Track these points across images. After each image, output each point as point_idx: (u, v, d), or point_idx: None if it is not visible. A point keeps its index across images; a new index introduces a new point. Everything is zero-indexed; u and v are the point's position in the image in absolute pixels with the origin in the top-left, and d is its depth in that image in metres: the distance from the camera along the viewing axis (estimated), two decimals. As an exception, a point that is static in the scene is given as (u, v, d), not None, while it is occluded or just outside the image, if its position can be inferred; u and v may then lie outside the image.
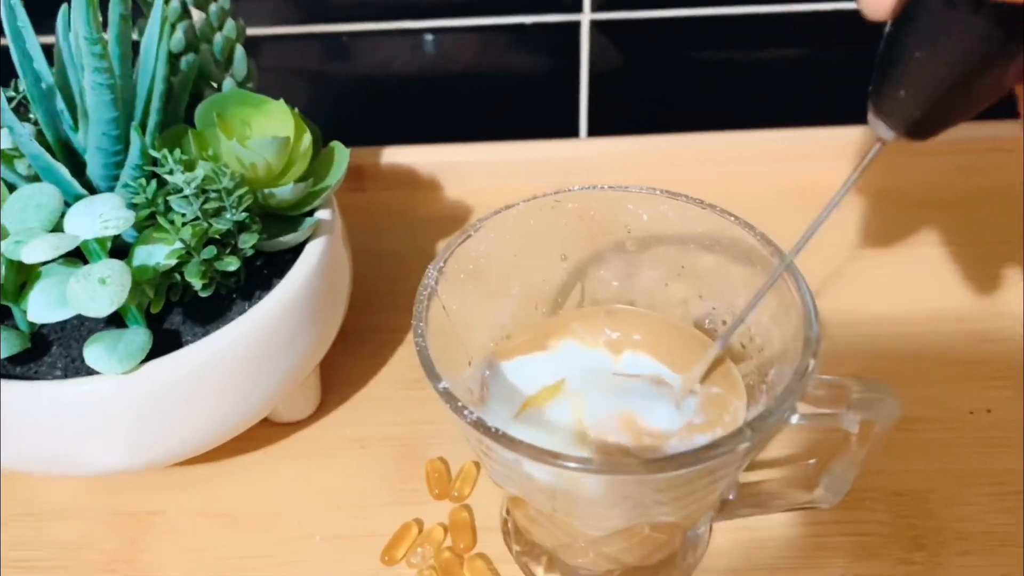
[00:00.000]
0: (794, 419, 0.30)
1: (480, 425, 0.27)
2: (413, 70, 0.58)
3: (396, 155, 0.57)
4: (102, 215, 0.33)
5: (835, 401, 0.29)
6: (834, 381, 0.30)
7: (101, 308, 0.31)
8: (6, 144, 0.39)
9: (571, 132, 0.61)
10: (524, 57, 0.58)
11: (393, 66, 0.58)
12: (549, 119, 0.60)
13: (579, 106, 0.60)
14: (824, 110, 0.55)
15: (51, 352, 0.35)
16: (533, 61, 0.58)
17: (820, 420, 0.30)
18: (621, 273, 0.36)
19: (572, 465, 0.26)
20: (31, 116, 0.39)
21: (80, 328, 0.36)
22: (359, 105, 0.60)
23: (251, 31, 0.55)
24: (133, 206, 0.34)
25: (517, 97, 0.60)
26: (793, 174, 0.54)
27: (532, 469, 0.28)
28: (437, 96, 0.59)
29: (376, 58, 0.58)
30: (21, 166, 0.38)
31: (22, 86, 0.38)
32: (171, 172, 0.34)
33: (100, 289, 0.31)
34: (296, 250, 0.38)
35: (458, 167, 0.57)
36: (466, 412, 0.27)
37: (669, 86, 0.59)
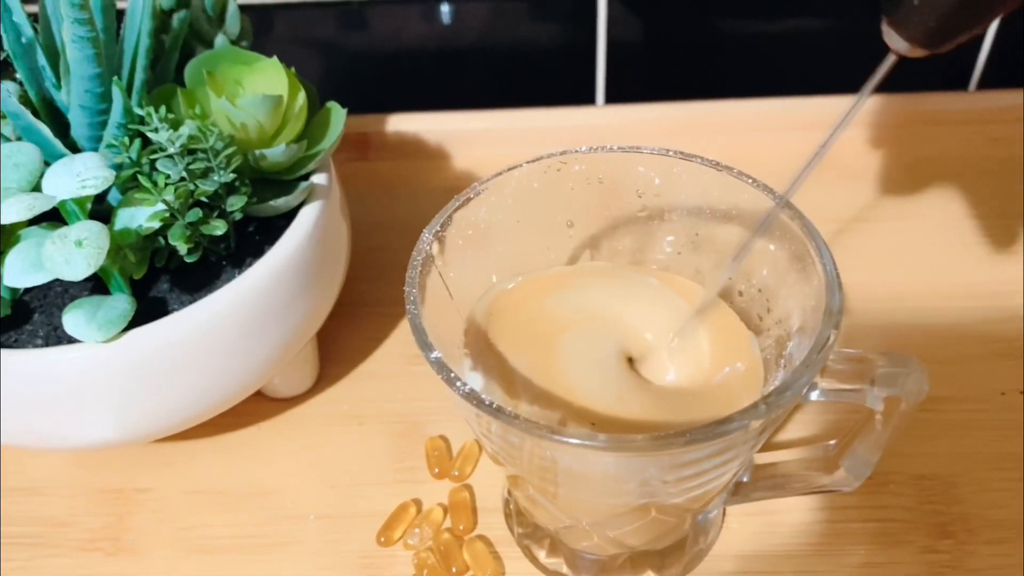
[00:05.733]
0: (814, 395, 0.28)
1: (473, 397, 0.25)
2: (427, 41, 0.56)
3: (402, 123, 0.55)
4: (80, 174, 0.31)
5: (858, 376, 0.27)
6: (857, 355, 0.28)
7: (77, 271, 0.29)
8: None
9: (588, 103, 0.59)
10: (540, 27, 0.56)
11: (407, 37, 0.56)
12: (566, 90, 0.58)
13: (596, 77, 0.58)
14: (845, 79, 0.53)
15: (32, 320, 0.34)
16: (549, 31, 0.56)
17: (841, 396, 0.27)
18: (631, 241, 0.34)
19: (573, 441, 0.24)
20: (16, 77, 0.37)
21: (63, 296, 0.34)
22: (373, 77, 0.58)
23: (264, -1, 0.53)
24: (117, 167, 0.33)
25: (533, 68, 0.58)
26: (815, 143, 0.52)
27: (530, 445, 0.26)
28: (452, 67, 0.57)
29: (390, 28, 0.56)
30: (7, 129, 0.36)
31: (5, 43, 0.37)
32: (156, 130, 0.32)
33: (76, 251, 0.29)
34: (290, 217, 0.36)
35: (466, 135, 0.54)
36: (459, 384, 0.26)
37: (688, 57, 0.57)
